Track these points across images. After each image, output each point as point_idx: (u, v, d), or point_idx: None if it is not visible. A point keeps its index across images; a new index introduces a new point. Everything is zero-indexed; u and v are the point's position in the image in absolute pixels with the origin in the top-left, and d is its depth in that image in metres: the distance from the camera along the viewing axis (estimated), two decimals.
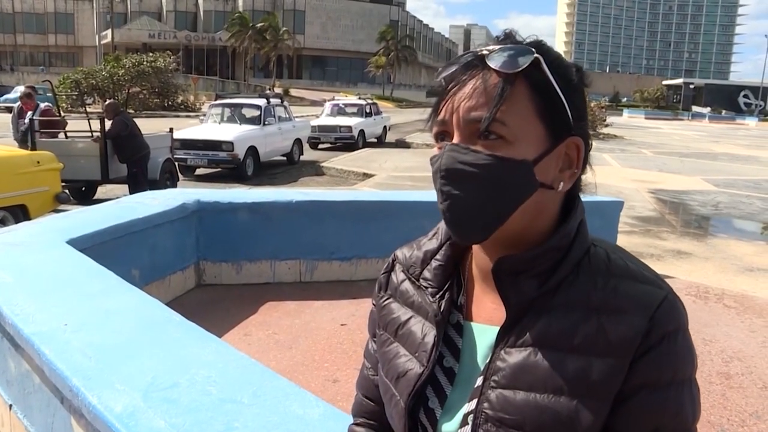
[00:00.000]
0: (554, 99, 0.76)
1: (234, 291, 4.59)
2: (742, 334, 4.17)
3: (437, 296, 0.85)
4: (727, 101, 65.70)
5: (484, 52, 0.76)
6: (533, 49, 0.75)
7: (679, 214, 9.46)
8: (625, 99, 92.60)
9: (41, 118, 8.85)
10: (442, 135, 0.78)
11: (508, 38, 0.79)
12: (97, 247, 3.45)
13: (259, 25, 51.42)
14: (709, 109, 60.05)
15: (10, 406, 2.38)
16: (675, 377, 0.74)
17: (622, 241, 6.27)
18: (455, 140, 0.75)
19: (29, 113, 8.71)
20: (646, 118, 52.10)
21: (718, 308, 4.70)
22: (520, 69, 0.73)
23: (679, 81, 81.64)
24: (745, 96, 68.82)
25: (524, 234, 0.78)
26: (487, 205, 0.75)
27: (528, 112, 0.74)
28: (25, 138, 8.60)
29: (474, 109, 0.74)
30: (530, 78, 0.74)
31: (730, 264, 6.39)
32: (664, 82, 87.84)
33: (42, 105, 9.06)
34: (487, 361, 0.79)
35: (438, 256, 0.88)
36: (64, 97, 25.29)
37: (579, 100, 0.79)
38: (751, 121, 51.78)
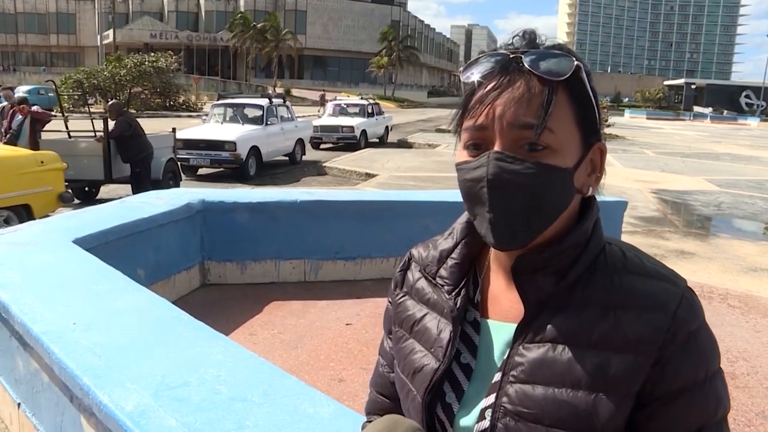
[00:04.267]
0: (589, 106, 0.77)
1: (238, 291, 4.59)
2: (747, 334, 4.16)
3: (453, 293, 0.87)
4: (729, 101, 65.58)
5: (519, 54, 0.75)
6: (574, 57, 0.75)
7: (682, 214, 9.45)
8: (626, 99, 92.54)
9: (40, 113, 8.82)
10: (477, 141, 0.77)
11: (533, 40, 0.78)
12: (103, 246, 3.45)
13: (260, 25, 51.44)
14: (710, 109, 59.95)
15: (19, 404, 2.39)
16: (708, 372, 0.76)
17: (626, 241, 6.26)
18: (498, 147, 0.74)
19: (19, 117, 8.65)
20: (647, 119, 52.03)
21: (722, 308, 4.70)
22: (565, 77, 0.74)
23: (680, 81, 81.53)
24: (747, 96, 68.69)
25: (549, 235, 0.79)
26: (532, 214, 0.75)
27: (569, 119, 0.75)
28: (14, 143, 8.42)
29: (521, 116, 0.73)
30: (569, 85, 0.75)
31: (733, 264, 6.38)
32: (666, 83, 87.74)
33: (34, 108, 9.01)
34: (505, 356, 0.80)
35: (454, 255, 0.89)
36: (66, 97, 25.29)
37: (599, 106, 0.81)
38: (753, 122, 51.63)
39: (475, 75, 0.77)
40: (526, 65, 0.74)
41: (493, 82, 0.75)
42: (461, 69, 0.80)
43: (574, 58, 0.75)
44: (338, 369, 3.37)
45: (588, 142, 0.78)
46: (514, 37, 0.79)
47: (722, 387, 0.78)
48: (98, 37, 56.70)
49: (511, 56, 0.75)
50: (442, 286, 0.88)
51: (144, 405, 1.56)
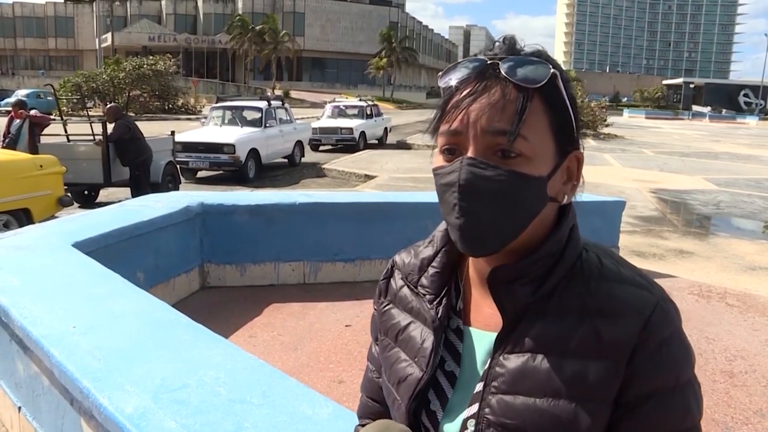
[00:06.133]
0: (565, 114, 0.77)
1: (238, 293, 4.60)
2: (745, 333, 4.18)
3: (434, 303, 0.87)
4: (727, 100, 65.67)
5: (497, 61, 0.75)
6: (551, 64, 0.75)
7: (681, 213, 9.46)
8: (625, 99, 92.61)
9: (39, 117, 8.81)
10: (452, 146, 0.77)
11: (512, 46, 0.78)
12: (103, 250, 3.46)
13: (258, 27, 51.43)
14: (709, 108, 60.06)
15: (19, 408, 2.40)
16: (678, 381, 0.76)
17: (625, 240, 6.28)
18: (471, 153, 0.74)
19: (17, 121, 8.64)
20: (646, 118, 52.11)
21: (720, 307, 4.71)
22: (540, 84, 0.73)
23: (679, 80, 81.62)
24: (746, 95, 68.77)
25: (524, 243, 0.79)
26: (503, 221, 0.75)
27: (543, 127, 0.75)
28: (13, 148, 8.31)
29: (495, 123, 0.73)
30: (545, 93, 0.75)
31: (732, 263, 6.39)
32: (664, 82, 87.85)
33: (32, 112, 8.98)
34: (486, 366, 0.80)
35: (434, 263, 0.89)
36: (65, 100, 25.29)
37: (578, 113, 0.80)
38: (752, 120, 51.72)
39: (452, 80, 0.77)
40: (502, 72, 0.74)
41: (468, 88, 0.75)
42: (440, 74, 0.80)
43: (551, 66, 0.75)
44: (338, 370, 3.38)
45: (564, 150, 0.78)
46: (495, 43, 0.79)
47: (693, 397, 0.77)
48: (96, 40, 56.73)
49: (489, 62, 0.75)
50: (424, 295, 0.89)
51: (144, 407, 1.57)
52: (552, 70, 0.75)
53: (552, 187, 0.77)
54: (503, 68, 0.74)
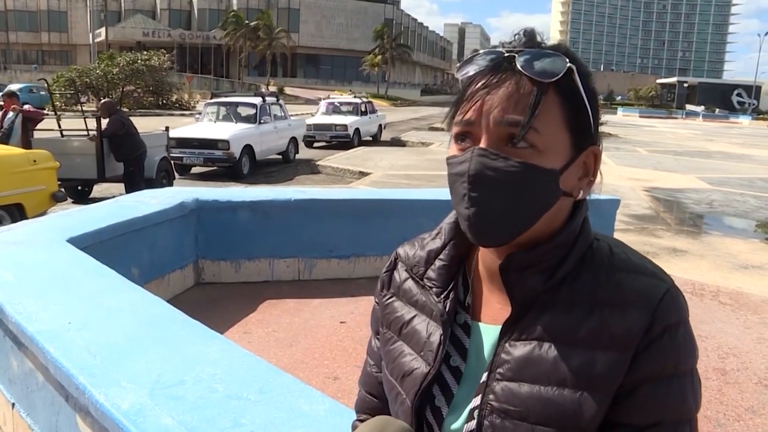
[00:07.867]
0: (582, 109, 0.76)
1: (233, 289, 4.59)
2: (738, 331, 4.20)
3: (442, 296, 0.85)
4: (721, 100, 65.94)
5: (513, 54, 0.75)
6: (567, 59, 0.74)
7: (674, 212, 9.51)
8: (619, 97, 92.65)
9: (32, 111, 8.73)
10: (464, 136, 0.77)
11: (531, 39, 0.78)
12: (97, 245, 3.44)
13: (253, 23, 51.32)
14: (702, 107, 60.34)
15: (13, 404, 2.39)
16: (677, 369, 0.75)
17: (618, 239, 6.29)
18: (483, 144, 0.74)
19: (10, 114, 8.56)
20: (640, 117, 52.23)
21: (713, 305, 4.73)
22: (556, 78, 0.73)
23: (673, 79, 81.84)
24: (739, 95, 69.06)
25: (538, 235, 0.79)
26: (513, 212, 0.75)
27: (558, 121, 0.75)
28: (5, 143, 8.23)
29: (508, 114, 0.73)
30: (561, 87, 0.74)
31: (724, 261, 6.43)
32: (658, 81, 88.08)
33: (25, 106, 8.89)
34: (492, 355, 0.79)
35: (442, 256, 0.88)
36: (58, 95, 25.13)
37: (597, 109, 0.80)
38: (745, 120, 51.98)
39: (469, 72, 0.78)
40: (518, 65, 0.73)
41: (484, 80, 0.75)
42: (457, 65, 0.80)
43: (568, 60, 0.74)
44: (333, 367, 3.39)
45: (580, 145, 0.77)
46: (515, 36, 0.79)
47: (691, 390, 0.76)
48: (90, 35, 56.33)
49: (506, 55, 0.75)
50: (431, 288, 0.87)
51: (140, 404, 1.57)
52: (568, 64, 0.74)
53: (566, 181, 0.77)
54: (519, 61, 0.74)
